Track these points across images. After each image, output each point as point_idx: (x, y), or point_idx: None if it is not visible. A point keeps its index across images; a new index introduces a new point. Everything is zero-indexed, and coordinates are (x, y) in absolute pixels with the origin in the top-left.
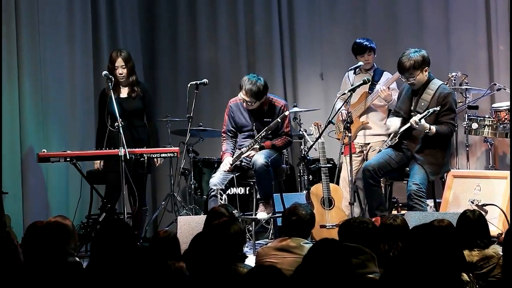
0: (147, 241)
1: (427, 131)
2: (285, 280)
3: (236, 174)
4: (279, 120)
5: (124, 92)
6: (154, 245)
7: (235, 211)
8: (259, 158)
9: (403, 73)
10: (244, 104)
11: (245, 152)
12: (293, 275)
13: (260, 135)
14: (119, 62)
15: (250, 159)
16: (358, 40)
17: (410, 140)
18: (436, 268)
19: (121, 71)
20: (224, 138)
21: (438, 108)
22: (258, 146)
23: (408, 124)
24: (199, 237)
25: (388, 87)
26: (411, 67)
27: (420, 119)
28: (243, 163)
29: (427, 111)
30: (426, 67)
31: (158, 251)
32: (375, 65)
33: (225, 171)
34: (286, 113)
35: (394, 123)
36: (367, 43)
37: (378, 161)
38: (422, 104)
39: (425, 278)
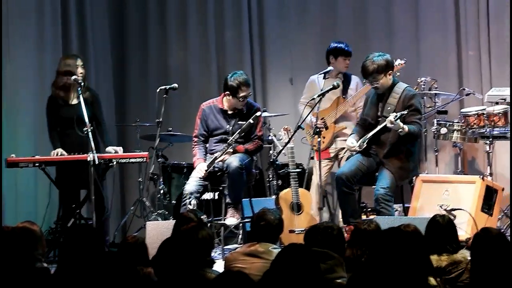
0: (116, 246)
1: (400, 130)
2: (253, 285)
3: (210, 181)
4: (251, 121)
5: (74, 99)
6: (123, 251)
7: (203, 216)
8: (234, 161)
9: (367, 77)
10: (244, 101)
11: (219, 157)
12: (261, 280)
13: (234, 138)
14: (79, 62)
15: (223, 163)
16: (341, 44)
17: (378, 145)
18: (402, 273)
19: (82, 70)
20: (195, 143)
21: (405, 112)
22: (231, 150)
23: (382, 126)
24: (168, 242)
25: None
26: (374, 71)
27: (396, 119)
28: (216, 168)
29: (400, 113)
30: (390, 71)
31: (127, 256)
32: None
33: (200, 177)
34: (258, 113)
35: (350, 140)
36: (349, 48)
37: (350, 168)
38: (389, 108)
39: (391, 283)
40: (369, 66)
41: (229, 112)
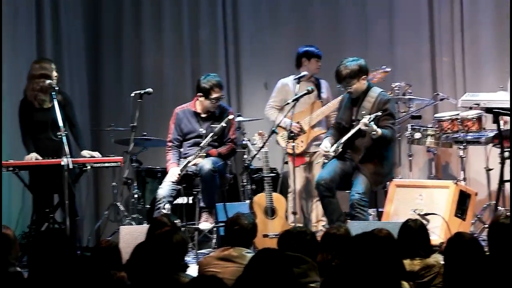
0: (89, 250)
1: (373, 133)
2: None
3: (183, 185)
4: (224, 125)
5: (48, 103)
6: (96, 255)
7: (177, 221)
8: (206, 163)
9: (340, 82)
10: (217, 103)
11: (192, 161)
12: (234, 285)
13: (206, 141)
14: (53, 66)
15: (196, 166)
16: (312, 47)
17: (353, 151)
18: (375, 277)
19: (56, 74)
20: (169, 148)
21: (380, 113)
22: (204, 154)
23: (356, 128)
24: (141, 246)
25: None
26: (347, 76)
27: (370, 121)
28: (189, 171)
29: (375, 114)
30: (364, 76)
31: (100, 260)
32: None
33: (173, 182)
34: (231, 116)
35: (324, 144)
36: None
37: (330, 174)
38: (363, 112)
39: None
40: (342, 71)
41: (203, 115)
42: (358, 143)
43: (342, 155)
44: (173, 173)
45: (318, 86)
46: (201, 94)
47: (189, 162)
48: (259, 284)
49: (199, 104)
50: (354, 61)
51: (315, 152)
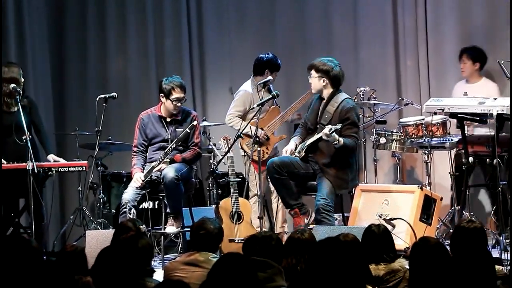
0: (54, 255)
1: (335, 143)
2: None
3: (148, 190)
4: (188, 131)
5: (12, 107)
6: (61, 260)
7: (142, 226)
8: (169, 171)
9: (308, 68)
10: (178, 104)
11: (156, 166)
12: None
13: (170, 147)
14: (20, 70)
15: (160, 173)
16: (277, 60)
17: (317, 154)
18: (341, 282)
19: (22, 79)
20: (134, 153)
21: (339, 126)
22: (168, 160)
23: (318, 136)
24: (107, 251)
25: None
26: (313, 66)
27: (331, 132)
28: (153, 177)
29: (335, 127)
30: (325, 79)
31: (65, 265)
32: None
33: (137, 187)
34: (195, 123)
35: (291, 144)
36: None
37: (281, 159)
38: (326, 116)
39: None
40: (315, 61)
41: (168, 120)
42: (321, 147)
43: (305, 158)
44: (137, 178)
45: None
46: (162, 94)
47: (153, 167)
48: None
49: (163, 108)
50: (329, 61)
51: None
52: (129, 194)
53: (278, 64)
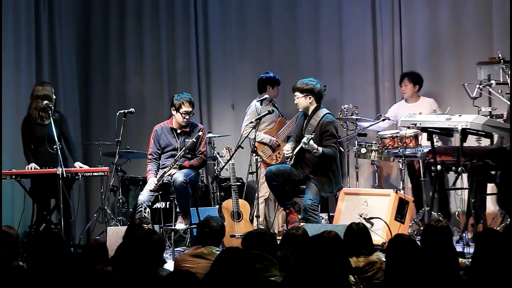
0: (80, 248)
1: (315, 151)
2: (199, 282)
3: (160, 193)
4: (195, 140)
5: (46, 120)
6: (86, 251)
7: (149, 224)
8: (179, 176)
9: (293, 91)
10: (187, 117)
11: (167, 172)
12: (204, 278)
13: (179, 155)
14: (52, 89)
15: (171, 177)
16: (275, 76)
17: (304, 163)
18: (327, 272)
19: (54, 96)
20: (149, 160)
21: (311, 136)
22: (178, 166)
23: (299, 147)
24: (124, 245)
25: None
26: (297, 88)
27: (308, 141)
28: (165, 181)
29: (310, 136)
30: (311, 96)
31: (89, 256)
32: None
33: (151, 190)
34: (200, 133)
35: (287, 146)
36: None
37: (277, 167)
38: (309, 128)
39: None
40: (297, 84)
41: (178, 131)
42: (308, 157)
43: (295, 165)
44: (151, 182)
45: (276, 107)
46: (173, 108)
47: (165, 173)
48: (225, 278)
49: (174, 121)
50: (310, 81)
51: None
52: (144, 195)
53: (277, 80)
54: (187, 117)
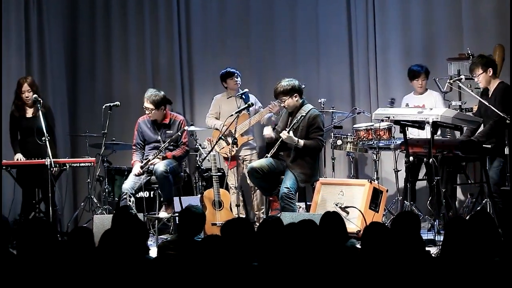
0: (67, 235)
1: (295, 143)
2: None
3: (146, 179)
4: (179, 134)
5: (29, 112)
6: (73, 238)
7: (133, 211)
8: (160, 166)
9: (276, 97)
10: (147, 112)
11: (151, 160)
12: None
13: (164, 146)
14: (25, 87)
15: (153, 166)
16: (230, 68)
17: (285, 152)
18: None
19: (27, 94)
20: (134, 150)
21: (289, 129)
22: (161, 156)
23: (280, 141)
24: (109, 232)
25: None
26: (280, 93)
27: (288, 132)
28: (148, 169)
29: (290, 127)
30: (296, 94)
31: (76, 243)
32: (240, 90)
33: (135, 174)
34: (186, 127)
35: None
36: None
37: (259, 163)
38: (294, 122)
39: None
40: (278, 89)
41: (158, 123)
42: (289, 147)
43: (277, 155)
44: (137, 167)
45: (247, 99)
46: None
47: (149, 160)
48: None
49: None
50: (288, 81)
51: (246, 155)
52: (128, 183)
53: (229, 72)
54: (147, 112)
